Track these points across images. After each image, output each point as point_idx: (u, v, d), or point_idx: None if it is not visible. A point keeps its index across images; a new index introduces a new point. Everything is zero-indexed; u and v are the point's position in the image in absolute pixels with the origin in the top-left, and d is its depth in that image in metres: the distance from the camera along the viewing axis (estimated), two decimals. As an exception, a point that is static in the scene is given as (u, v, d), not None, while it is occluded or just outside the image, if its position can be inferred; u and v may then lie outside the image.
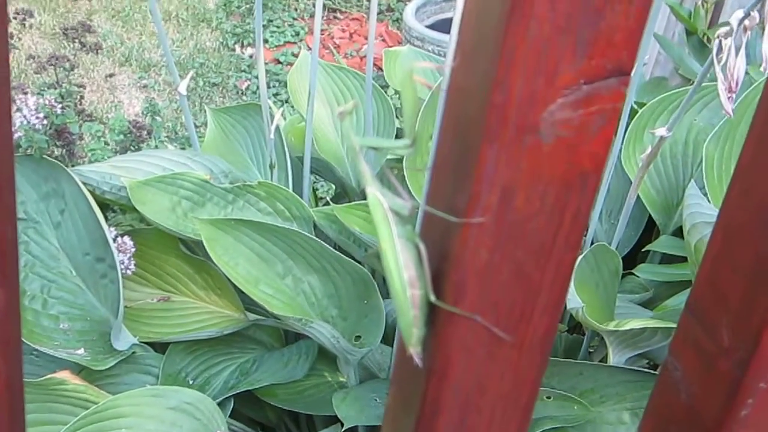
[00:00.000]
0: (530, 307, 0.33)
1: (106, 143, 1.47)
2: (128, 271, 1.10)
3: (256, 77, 2.65)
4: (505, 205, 0.30)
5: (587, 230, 1.26)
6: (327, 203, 1.46)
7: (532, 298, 0.33)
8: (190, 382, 1.13)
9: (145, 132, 1.16)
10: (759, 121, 0.36)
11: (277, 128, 1.24)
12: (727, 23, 0.76)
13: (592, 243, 1.24)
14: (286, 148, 1.29)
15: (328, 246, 1.09)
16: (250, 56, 2.72)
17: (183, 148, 1.29)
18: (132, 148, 1.19)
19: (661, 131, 0.95)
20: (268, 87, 2.60)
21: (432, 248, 0.33)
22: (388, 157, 1.21)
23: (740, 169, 0.37)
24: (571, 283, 0.92)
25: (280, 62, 2.70)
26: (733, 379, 0.38)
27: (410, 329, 0.34)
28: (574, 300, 0.89)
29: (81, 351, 1.06)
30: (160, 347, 1.15)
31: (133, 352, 1.12)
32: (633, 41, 0.28)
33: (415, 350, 0.34)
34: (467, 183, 0.30)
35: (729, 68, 0.75)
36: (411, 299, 0.33)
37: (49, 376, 1.04)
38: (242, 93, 2.59)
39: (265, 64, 2.66)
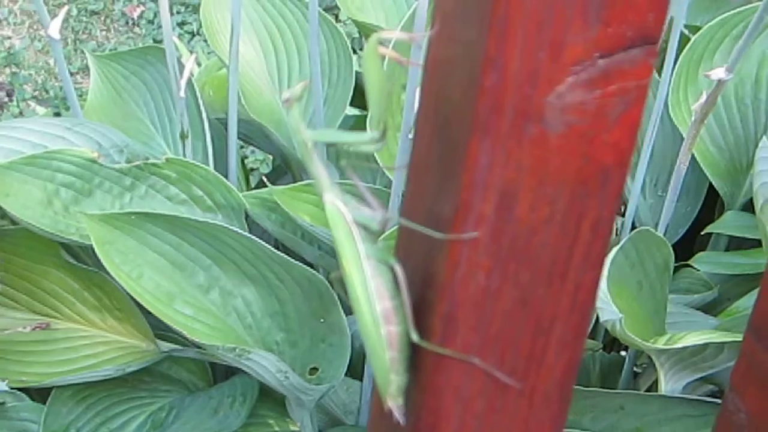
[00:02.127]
0: (542, 343, 0.36)
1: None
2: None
3: (153, 1, 2.67)
4: (505, 214, 0.34)
5: (626, 209, 1.30)
6: (262, 182, 1.49)
7: (544, 332, 0.36)
8: (85, 441, 1.16)
9: (3, 93, 1.19)
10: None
11: (190, 81, 1.27)
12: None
13: (633, 227, 1.28)
14: (202, 108, 1.32)
15: (266, 245, 1.12)
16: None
17: (58, 114, 1.32)
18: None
19: (718, 72, 0.98)
20: (172, 14, 2.62)
21: (413, 272, 0.36)
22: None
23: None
24: (604, 285, 0.95)
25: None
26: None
27: (387, 376, 0.37)
28: (608, 310, 0.93)
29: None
30: (38, 394, 1.18)
31: (2, 403, 1.15)
32: (659, 17, 0.32)
33: (394, 403, 0.37)
34: (454, 188, 0.33)
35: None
36: (387, 338, 0.36)
37: None
38: (134, 24, 2.61)
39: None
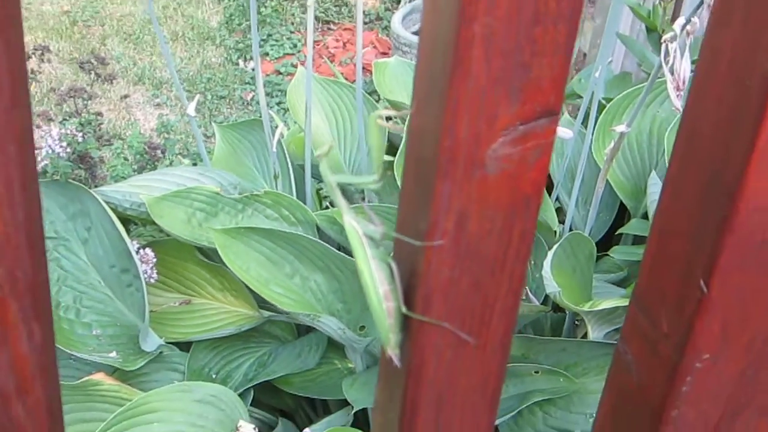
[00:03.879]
0: (489, 313, 0.36)
1: (126, 158, 1.50)
2: (151, 280, 1.13)
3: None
4: (461, 229, 0.33)
5: (565, 218, 1.28)
6: (330, 204, 1.49)
7: (489, 305, 0.36)
8: (213, 376, 1.16)
9: (159, 151, 1.19)
10: (681, 137, 0.39)
11: (279, 141, 1.27)
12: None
13: (570, 228, 1.26)
14: (287, 158, 1.31)
15: (330, 247, 1.12)
16: (253, 69, 2.74)
17: (195, 164, 1.32)
18: (148, 166, 1.22)
19: (621, 128, 0.97)
20: (272, 97, 2.63)
21: (402, 267, 0.36)
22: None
23: (669, 177, 0.40)
24: (548, 269, 0.94)
25: (281, 73, 2.72)
26: (673, 361, 0.40)
27: (387, 335, 0.37)
28: (551, 285, 0.92)
29: (113, 354, 1.09)
30: (184, 346, 1.18)
31: (161, 352, 1.15)
32: (558, 87, 0.31)
33: (393, 352, 0.37)
34: (427, 212, 0.33)
35: (676, 69, 0.78)
36: (386, 310, 0.36)
37: (85, 378, 1.07)
38: (248, 103, 2.61)
39: (267, 75, 2.70)
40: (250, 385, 1.13)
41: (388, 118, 0.36)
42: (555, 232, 1.23)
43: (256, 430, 1.02)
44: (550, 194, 1.29)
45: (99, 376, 1.07)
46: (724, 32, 0.33)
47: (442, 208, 0.32)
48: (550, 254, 0.96)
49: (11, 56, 0.26)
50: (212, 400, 1.02)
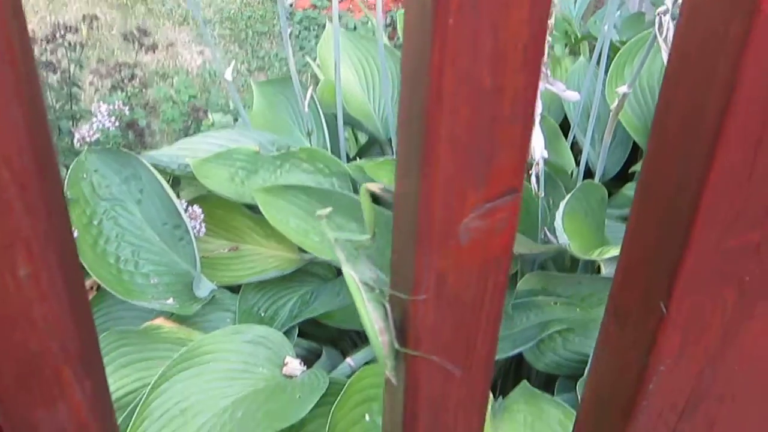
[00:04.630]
0: (472, 343, 0.39)
1: (174, 102, 1.54)
2: (200, 233, 1.18)
3: (299, 23, 2.67)
4: (441, 284, 0.37)
5: (581, 154, 1.30)
6: (362, 148, 1.52)
7: (472, 338, 0.39)
8: (262, 315, 1.21)
9: (201, 112, 1.22)
10: (653, 142, 0.41)
11: (312, 98, 1.29)
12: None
13: (587, 165, 1.28)
14: (320, 111, 1.34)
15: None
16: (291, 5, 2.73)
17: (236, 119, 1.35)
18: (193, 125, 1.26)
19: (622, 89, 0.98)
20: (309, 30, 2.63)
21: (396, 309, 0.40)
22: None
23: (637, 196, 0.42)
24: (560, 221, 0.97)
25: (317, 7, 2.72)
26: (639, 365, 0.44)
27: (384, 362, 0.40)
28: (562, 237, 0.95)
29: (170, 301, 1.15)
30: (234, 289, 1.24)
31: (213, 296, 1.20)
32: (518, 171, 0.34)
33: (390, 374, 0.41)
34: (411, 272, 0.36)
35: (668, 41, 0.79)
36: (382, 343, 0.40)
37: (147, 324, 1.13)
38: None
39: (304, 10, 2.69)
40: (295, 322, 1.18)
41: (375, 195, 0.39)
42: (570, 174, 1.25)
43: (303, 364, 1.07)
44: (566, 134, 1.31)
45: (159, 321, 1.14)
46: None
47: (424, 269, 0.36)
48: (561, 205, 0.99)
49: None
50: (261, 340, 1.08)
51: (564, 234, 0.94)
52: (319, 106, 1.34)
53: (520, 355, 1.13)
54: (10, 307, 0.32)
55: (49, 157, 0.30)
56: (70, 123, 1.36)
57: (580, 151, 1.33)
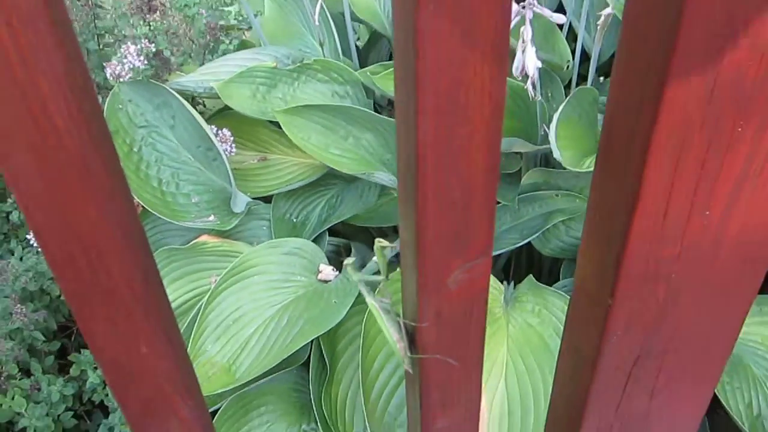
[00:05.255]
0: (465, 346, 0.52)
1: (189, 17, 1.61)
2: (231, 153, 1.29)
3: None
4: (438, 316, 0.49)
5: (577, 39, 1.38)
6: (369, 40, 1.59)
7: (465, 343, 0.52)
8: (294, 221, 1.35)
9: (217, 32, 1.32)
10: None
11: (322, 8, 1.37)
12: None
13: (582, 50, 1.37)
14: (331, 22, 1.42)
15: (374, 113, 1.26)
16: None
17: (249, 27, 1.44)
18: (211, 44, 1.35)
19: (607, 11, 1.06)
20: None
21: (408, 328, 0.53)
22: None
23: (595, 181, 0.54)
24: (553, 136, 1.08)
25: None
26: (598, 331, 0.57)
27: (402, 360, 0.54)
28: (556, 151, 1.06)
29: (212, 218, 1.29)
30: (267, 199, 1.37)
31: (249, 208, 1.34)
32: (488, 244, 0.46)
33: (407, 367, 0.54)
34: (416, 309, 0.49)
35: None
36: (399, 349, 0.53)
37: (194, 241, 1.27)
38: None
39: None
40: (324, 228, 1.32)
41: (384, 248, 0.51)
42: (567, 64, 1.34)
43: (335, 270, 1.22)
44: (561, 28, 1.39)
45: (203, 238, 1.28)
46: None
47: (424, 307, 0.48)
48: (555, 116, 1.09)
49: None
50: (297, 251, 1.22)
51: (557, 148, 1.05)
52: (328, 15, 1.42)
53: (528, 244, 1.26)
54: (136, 368, 0.46)
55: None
56: (97, 44, 1.45)
57: (576, 38, 1.41)
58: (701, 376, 0.63)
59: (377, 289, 0.55)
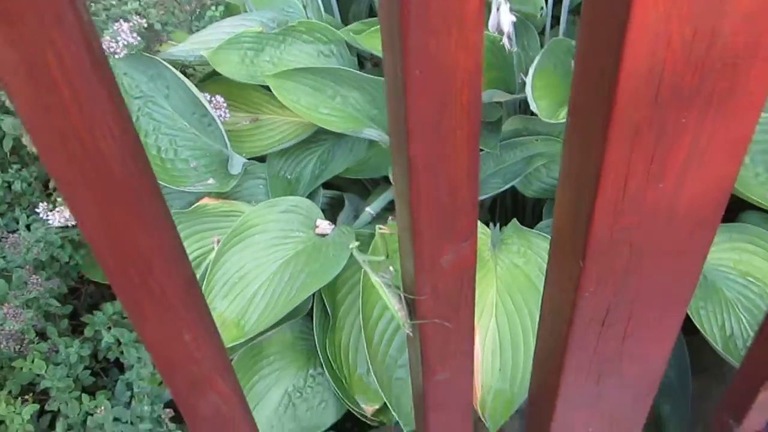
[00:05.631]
0: (458, 309, 0.61)
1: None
2: (225, 118, 1.36)
3: None
4: (434, 290, 0.57)
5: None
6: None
7: (457, 308, 0.60)
8: (288, 178, 1.42)
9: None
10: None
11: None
12: None
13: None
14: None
15: (360, 73, 1.32)
16: None
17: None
18: (198, 11, 1.40)
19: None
20: None
21: (408, 296, 0.61)
22: None
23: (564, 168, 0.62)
24: (530, 88, 1.14)
25: None
26: (573, 286, 0.65)
27: (403, 325, 0.62)
28: (532, 104, 1.12)
29: (211, 181, 1.35)
30: (262, 159, 1.43)
31: (245, 168, 1.40)
32: (472, 230, 0.54)
33: (408, 331, 0.62)
34: (415, 285, 0.57)
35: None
36: (400, 317, 0.61)
37: (195, 205, 1.35)
38: None
39: None
40: (318, 183, 1.39)
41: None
42: (540, 12, 1.40)
43: (332, 224, 1.30)
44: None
45: (204, 201, 1.35)
46: None
47: (421, 283, 0.56)
48: (531, 69, 1.16)
49: None
50: (294, 208, 1.30)
51: (533, 99, 1.12)
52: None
53: (512, 188, 1.34)
54: (180, 353, 0.54)
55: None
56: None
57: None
58: (666, 320, 0.72)
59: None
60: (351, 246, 0.61)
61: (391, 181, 1.31)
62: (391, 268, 0.61)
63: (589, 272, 0.62)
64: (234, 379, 0.58)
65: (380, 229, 0.57)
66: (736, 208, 1.30)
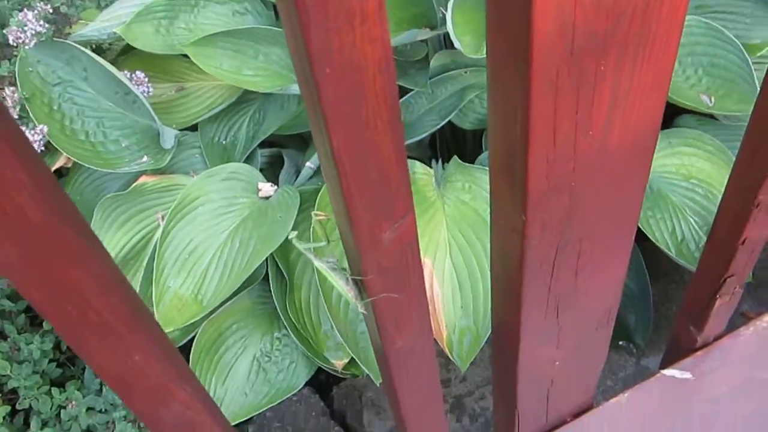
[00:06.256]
0: (407, 281, 0.60)
1: None
2: (149, 94, 1.32)
3: None
4: (380, 268, 0.56)
5: None
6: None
7: (406, 280, 0.60)
8: (223, 143, 1.39)
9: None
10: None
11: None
12: None
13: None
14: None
15: (277, 29, 1.29)
16: None
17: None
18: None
19: None
20: None
21: (356, 278, 0.60)
22: None
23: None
24: (450, 22, 1.12)
25: None
26: (521, 235, 0.65)
27: (355, 303, 0.61)
28: (455, 42, 1.11)
29: (145, 158, 1.33)
30: (194, 128, 1.40)
31: (178, 140, 1.38)
32: (408, 206, 0.53)
33: (362, 310, 0.62)
34: (360, 266, 0.57)
35: None
36: (351, 297, 0.60)
37: (133, 185, 1.32)
38: None
39: None
40: (254, 145, 1.37)
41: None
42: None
43: (273, 186, 1.28)
44: None
45: (142, 179, 1.32)
46: None
47: (366, 263, 0.56)
48: (450, 5, 1.14)
49: None
50: (233, 175, 1.28)
51: (455, 36, 1.10)
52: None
53: (449, 123, 1.33)
54: (133, 373, 0.53)
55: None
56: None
57: None
58: (615, 248, 0.72)
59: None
60: (290, 237, 0.60)
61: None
62: (332, 258, 0.60)
63: (532, 223, 0.62)
64: (194, 383, 0.58)
65: (316, 215, 0.56)
66: (671, 113, 1.30)
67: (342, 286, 0.59)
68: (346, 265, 0.60)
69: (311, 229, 1.03)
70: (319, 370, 1.28)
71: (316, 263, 0.59)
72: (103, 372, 0.51)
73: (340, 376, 1.23)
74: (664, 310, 1.34)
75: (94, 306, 0.45)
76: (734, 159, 0.79)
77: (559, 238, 0.66)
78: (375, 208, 0.52)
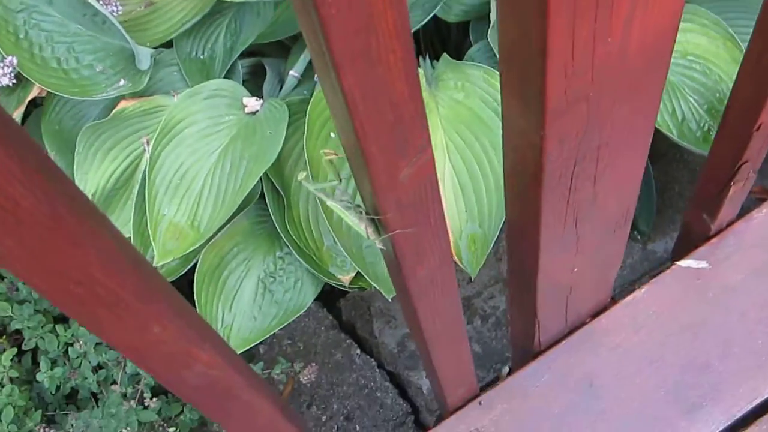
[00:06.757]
0: (427, 215, 0.57)
1: None
2: (118, 12, 1.25)
3: None
4: (398, 205, 0.53)
5: None
6: None
7: (426, 214, 0.56)
8: (202, 57, 1.33)
9: None
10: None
11: None
12: None
13: None
14: None
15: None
16: None
17: None
18: None
19: None
20: None
21: (373, 215, 0.57)
22: None
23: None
24: None
25: None
26: (539, 151, 0.61)
27: (371, 240, 0.58)
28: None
29: (122, 82, 1.27)
30: (169, 44, 1.33)
31: (154, 59, 1.31)
32: (425, 140, 0.49)
33: (379, 245, 0.58)
34: (378, 204, 0.53)
35: None
36: (367, 233, 0.57)
37: (114, 112, 1.27)
38: None
39: None
40: (234, 57, 1.31)
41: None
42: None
43: (259, 99, 1.23)
44: None
45: (122, 104, 1.27)
46: None
47: (384, 202, 0.52)
48: None
49: None
50: (217, 92, 1.22)
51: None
52: None
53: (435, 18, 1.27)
54: (151, 343, 0.50)
55: None
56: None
57: None
58: (633, 150, 0.69)
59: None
60: (300, 178, 0.56)
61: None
62: (345, 196, 0.56)
63: (550, 138, 0.58)
64: (216, 341, 0.55)
65: (325, 153, 0.52)
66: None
67: (357, 221, 0.56)
68: (360, 202, 0.56)
69: (318, 171, 0.98)
70: (326, 285, 1.26)
71: (329, 203, 0.56)
72: (119, 347, 0.48)
73: (347, 289, 1.21)
74: (668, 194, 1.32)
75: (103, 284, 0.42)
76: (745, 46, 0.75)
77: (578, 150, 0.63)
78: (391, 147, 0.48)
